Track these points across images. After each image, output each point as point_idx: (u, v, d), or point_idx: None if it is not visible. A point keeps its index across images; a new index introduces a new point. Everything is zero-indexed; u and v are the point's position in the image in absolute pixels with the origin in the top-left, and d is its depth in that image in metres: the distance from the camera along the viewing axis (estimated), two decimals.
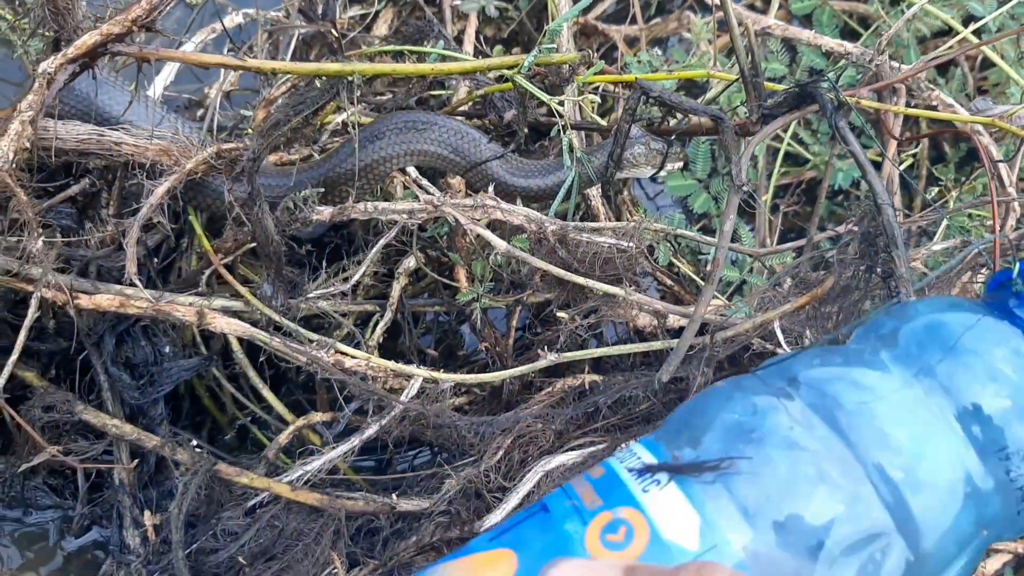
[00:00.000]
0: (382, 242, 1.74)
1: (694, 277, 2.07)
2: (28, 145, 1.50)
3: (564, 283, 1.68)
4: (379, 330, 1.96)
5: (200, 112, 2.35)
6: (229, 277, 1.74)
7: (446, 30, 2.40)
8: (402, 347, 2.14)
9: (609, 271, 1.66)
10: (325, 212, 1.77)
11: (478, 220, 1.72)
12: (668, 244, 2.00)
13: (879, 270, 1.47)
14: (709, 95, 2.12)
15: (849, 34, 2.55)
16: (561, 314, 1.63)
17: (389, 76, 1.65)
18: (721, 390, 1.19)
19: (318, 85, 1.68)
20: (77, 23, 1.77)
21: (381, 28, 2.58)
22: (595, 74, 1.69)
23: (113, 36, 1.45)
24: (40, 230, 1.50)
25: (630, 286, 1.61)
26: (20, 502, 1.94)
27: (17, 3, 2.53)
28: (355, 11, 2.65)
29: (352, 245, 2.16)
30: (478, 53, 2.38)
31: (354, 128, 1.66)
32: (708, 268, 2.22)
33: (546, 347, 1.67)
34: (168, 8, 1.47)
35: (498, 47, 2.25)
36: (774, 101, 1.53)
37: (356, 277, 1.75)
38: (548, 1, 2.43)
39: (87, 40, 1.46)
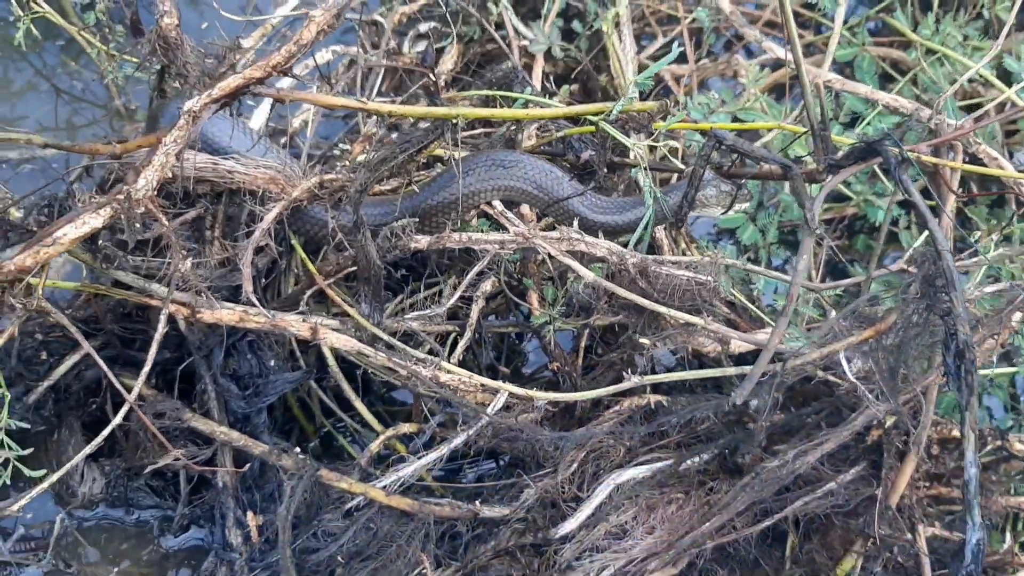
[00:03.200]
0: (477, 268, 1.90)
1: (748, 304, 2.23)
2: (171, 175, 1.66)
3: (641, 311, 1.85)
4: (460, 348, 2.12)
5: (283, 139, 2.51)
6: (335, 296, 1.90)
7: (516, 67, 2.57)
8: (468, 360, 2.30)
9: (686, 301, 1.82)
10: (423, 241, 1.93)
11: (564, 251, 1.88)
12: (728, 276, 2.17)
13: (937, 308, 1.64)
14: (764, 139, 2.30)
15: (885, 78, 2.73)
16: (644, 340, 1.79)
17: (489, 118, 1.81)
18: None
19: (423, 126, 1.84)
20: (185, 59, 1.93)
21: (447, 63, 2.74)
22: (675, 123, 1.86)
23: (255, 79, 1.61)
24: (184, 252, 1.66)
25: (706, 315, 1.78)
26: (123, 501, 2.09)
27: (107, 30, 2.70)
28: (422, 46, 2.83)
29: (426, 268, 2.33)
30: (545, 90, 2.55)
31: (456, 165, 1.81)
32: (757, 295, 2.39)
33: (629, 370, 1.82)
34: (303, 55, 1.63)
35: (565, 87, 2.42)
36: (842, 154, 1.70)
37: (451, 302, 1.91)
38: (607, 44, 2.62)
39: (231, 83, 1.62)
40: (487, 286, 2.20)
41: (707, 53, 2.81)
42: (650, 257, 1.85)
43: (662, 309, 1.77)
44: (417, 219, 1.98)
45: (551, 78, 2.78)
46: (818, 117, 1.73)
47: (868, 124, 2.37)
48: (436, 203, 1.99)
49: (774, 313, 2.30)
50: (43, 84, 2.93)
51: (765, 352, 1.69)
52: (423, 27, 2.83)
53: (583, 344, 2.23)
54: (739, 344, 2.06)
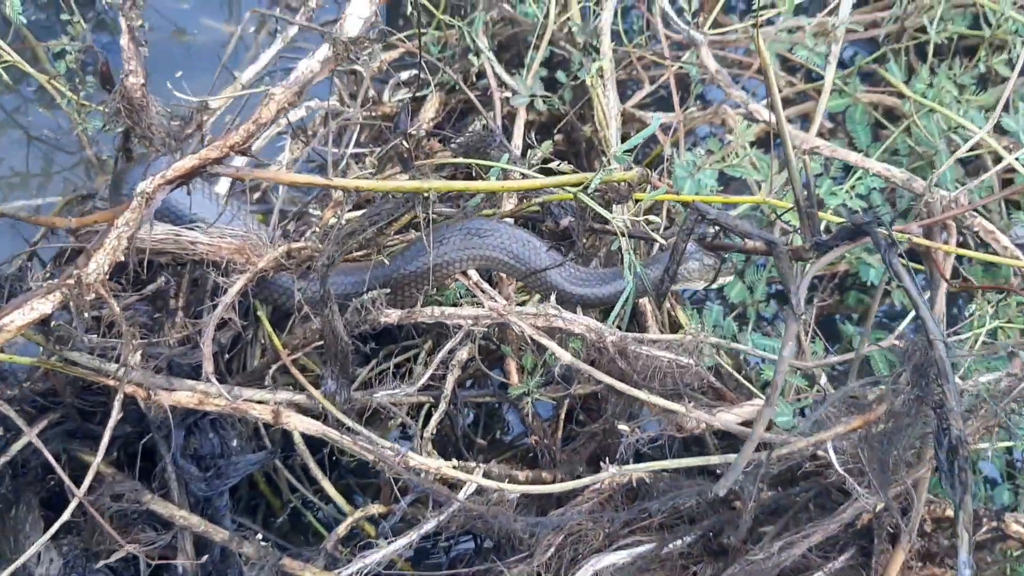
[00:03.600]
0: (449, 345, 1.82)
1: (733, 373, 2.15)
2: (123, 257, 1.58)
3: (621, 392, 1.76)
4: (433, 422, 2.03)
5: (256, 195, 2.43)
6: (299, 376, 1.82)
7: (497, 121, 2.49)
8: (444, 428, 2.21)
9: (667, 383, 1.74)
10: (393, 315, 1.84)
11: (540, 328, 1.80)
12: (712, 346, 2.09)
13: (929, 400, 1.55)
14: (759, 196, 2.22)
15: (879, 126, 2.65)
16: (622, 426, 1.71)
17: (463, 192, 1.73)
18: None
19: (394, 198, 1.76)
20: (150, 121, 1.85)
21: (428, 112, 2.67)
22: (657, 195, 1.78)
23: (211, 160, 1.53)
24: (138, 334, 1.57)
25: (689, 402, 1.69)
26: None
27: (77, 81, 2.62)
28: (402, 94, 2.75)
29: (402, 329, 2.25)
30: (526, 147, 2.47)
31: (426, 238, 1.73)
32: (744, 358, 2.31)
33: (606, 460, 1.74)
34: (260, 135, 1.55)
35: (547, 143, 2.34)
36: (830, 237, 1.62)
37: (422, 381, 1.82)
38: (593, 96, 2.55)
39: (186, 163, 1.54)
40: (463, 354, 2.12)
41: (696, 99, 2.73)
42: (630, 336, 1.76)
43: (642, 395, 1.68)
44: (388, 290, 1.91)
45: (535, 126, 2.71)
46: (804, 195, 1.65)
47: (859, 179, 2.30)
48: (408, 273, 1.91)
49: (762, 378, 2.22)
50: (17, 129, 2.86)
51: (749, 443, 1.61)
52: (404, 75, 2.76)
53: (563, 413, 2.15)
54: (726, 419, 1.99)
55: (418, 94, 2.67)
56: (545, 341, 1.72)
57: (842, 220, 1.60)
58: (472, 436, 2.17)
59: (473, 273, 1.93)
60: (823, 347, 2.39)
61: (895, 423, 1.60)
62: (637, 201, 1.87)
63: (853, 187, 2.30)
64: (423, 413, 2.12)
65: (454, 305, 1.92)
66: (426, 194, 1.67)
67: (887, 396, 1.60)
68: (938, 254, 1.61)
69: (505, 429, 2.36)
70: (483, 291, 1.89)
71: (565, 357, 1.73)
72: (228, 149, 1.52)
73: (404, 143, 1.81)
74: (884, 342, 1.84)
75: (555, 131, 2.64)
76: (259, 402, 1.77)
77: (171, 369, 1.91)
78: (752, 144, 2.44)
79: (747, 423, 2.05)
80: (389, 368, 2.22)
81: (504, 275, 1.98)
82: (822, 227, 1.67)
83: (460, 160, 1.86)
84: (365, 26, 1.51)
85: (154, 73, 1.82)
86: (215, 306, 1.80)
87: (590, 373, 1.71)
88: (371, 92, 2.63)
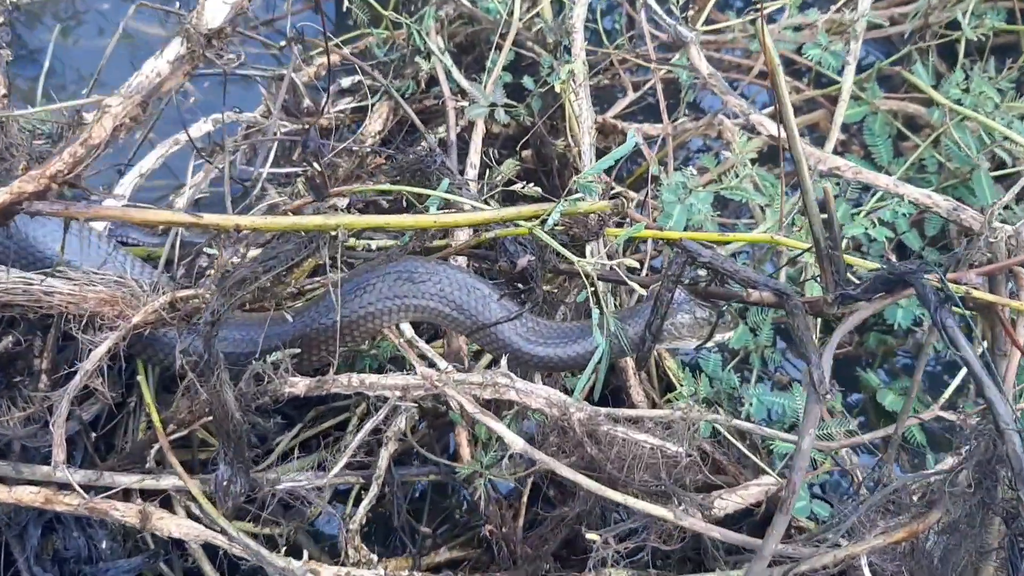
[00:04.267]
0: (368, 427, 1.42)
1: (737, 444, 1.75)
2: None
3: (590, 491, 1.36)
4: (363, 509, 1.64)
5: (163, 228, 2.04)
6: (178, 466, 1.42)
7: (450, 135, 2.10)
8: (388, 506, 1.82)
9: (652, 474, 1.34)
10: (300, 384, 1.45)
11: (488, 402, 1.41)
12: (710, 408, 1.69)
13: (997, 507, 1.16)
14: (758, 231, 1.82)
15: (900, 137, 2.27)
16: (592, 535, 1.31)
17: (383, 229, 1.34)
18: None
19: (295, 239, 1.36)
20: (11, 139, 1.46)
21: (375, 124, 2.28)
22: (634, 232, 1.38)
23: (27, 194, 1.14)
24: None
25: (678, 504, 1.29)
26: None
27: None
28: (345, 103, 2.36)
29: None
30: (484, 167, 2.08)
31: (333, 289, 1.34)
32: (748, 416, 1.92)
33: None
34: (94, 160, 1.15)
35: (510, 161, 1.95)
36: (860, 287, 1.22)
37: (332, 474, 1.43)
38: (566, 104, 2.16)
39: None
40: (400, 423, 1.72)
41: (687, 108, 2.34)
42: (602, 413, 1.37)
43: (617, 496, 1.29)
44: (299, 349, 1.51)
45: (499, 141, 2.33)
46: (824, 234, 1.26)
47: (880, 201, 1.90)
48: (322, 328, 1.52)
49: (772, 450, 1.82)
50: None
51: (757, 561, 1.21)
52: (346, 82, 2.37)
53: (527, 492, 1.75)
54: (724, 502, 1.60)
55: (365, 103, 2.29)
56: (490, 422, 1.33)
57: (876, 266, 1.21)
58: (414, 523, 1.76)
59: (407, 328, 1.53)
60: (841, 402, 2.00)
61: (952, 535, 1.20)
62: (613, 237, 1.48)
63: (875, 212, 1.91)
64: (352, 498, 1.73)
65: (379, 370, 1.52)
66: (333, 232, 1.28)
67: (941, 500, 1.20)
68: (1005, 312, 1.23)
69: (461, 503, 1.95)
70: (416, 352, 1.50)
71: (516, 444, 1.33)
72: (48, 180, 1.12)
73: (313, 166, 1.42)
74: (928, 413, 1.44)
75: (521, 147, 2.25)
76: (146, 492, 1.38)
77: (24, 453, 1.51)
78: (754, 162, 2.05)
79: (754, 514, 1.66)
80: (318, 436, 1.85)
81: (446, 329, 1.58)
82: (848, 273, 1.28)
83: (386, 187, 1.47)
84: (231, 13, 1.12)
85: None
86: (72, 373, 1.41)
87: (549, 466, 1.31)
88: (306, 102, 2.24)
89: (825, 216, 1.24)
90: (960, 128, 2.06)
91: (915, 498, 1.29)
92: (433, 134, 2.19)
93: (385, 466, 1.66)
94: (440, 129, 2.21)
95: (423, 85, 2.27)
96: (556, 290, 1.67)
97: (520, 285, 1.59)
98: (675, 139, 2.26)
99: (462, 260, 1.81)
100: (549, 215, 1.34)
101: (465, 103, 2.09)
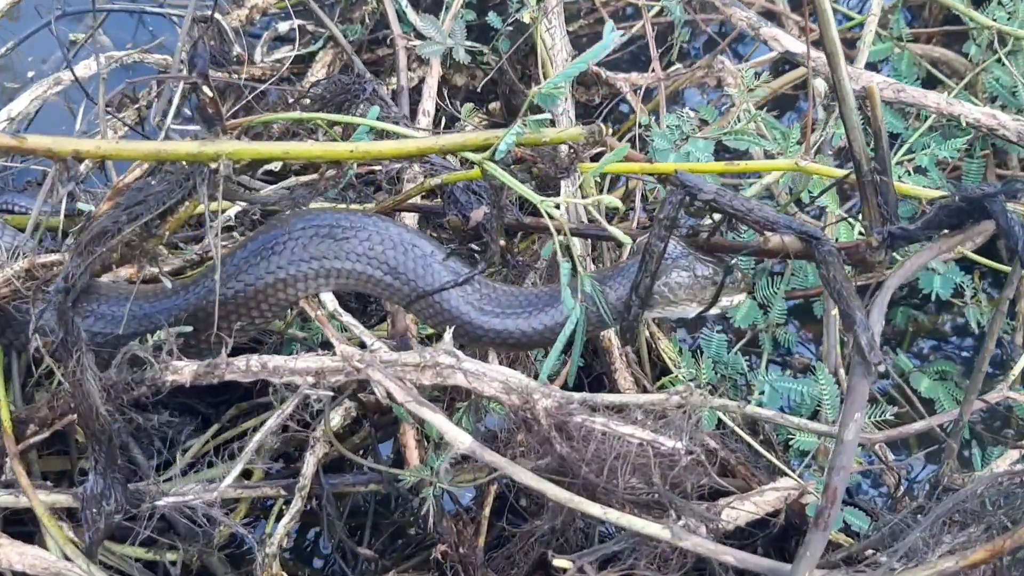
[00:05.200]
0: (270, 423, 1.09)
1: (750, 441, 1.42)
2: None
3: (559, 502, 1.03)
4: (283, 528, 1.31)
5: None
6: (22, 477, 1.09)
7: (400, 79, 1.78)
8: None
9: (641, 478, 1.02)
10: (184, 370, 1.12)
11: (426, 388, 1.08)
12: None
13: None
14: (767, 180, 1.50)
15: (929, 83, 1.94)
16: (560, 561, 0.98)
17: (281, 160, 1.02)
18: None
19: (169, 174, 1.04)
20: None
21: (319, 72, 1.96)
22: (612, 162, 1.05)
23: None
24: None
25: (677, 518, 0.97)
26: None
27: None
28: (283, 52, 2.04)
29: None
30: (441, 114, 1.75)
31: (215, 244, 1.01)
32: (759, 403, 1.59)
33: None
34: None
35: (469, 105, 1.63)
36: (922, 219, 0.90)
37: (225, 484, 1.09)
38: (537, 42, 1.84)
39: None
40: (335, 418, 1.40)
41: (679, 56, 2.02)
42: (576, 399, 1.04)
43: (593, 509, 0.96)
44: (189, 328, 1.18)
45: (462, 93, 2.00)
46: (867, 150, 0.94)
47: (922, 141, 1.57)
48: (222, 300, 1.19)
49: (791, 445, 1.50)
50: None
51: None
52: (283, 27, 2.05)
53: (489, 502, 1.43)
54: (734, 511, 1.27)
55: (306, 51, 1.97)
56: (427, 414, 1.00)
57: (940, 194, 0.89)
58: (351, 544, 1.43)
59: (328, 298, 1.20)
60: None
61: None
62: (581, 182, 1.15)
63: (911, 158, 1.57)
64: (274, 514, 1.40)
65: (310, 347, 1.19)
66: (212, 163, 0.96)
67: None
68: None
69: (414, 517, 1.62)
70: (340, 325, 1.17)
71: (462, 443, 1.00)
72: None
73: (203, 90, 1.09)
74: (995, 395, 1.11)
75: (489, 97, 1.93)
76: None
77: None
78: (761, 108, 1.73)
79: (770, 525, 1.34)
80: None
81: (378, 299, 1.26)
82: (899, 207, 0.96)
83: (296, 115, 1.14)
84: None
85: None
86: None
87: (504, 470, 0.98)
88: (236, 50, 1.91)
89: (868, 130, 0.92)
90: (1001, 66, 1.73)
91: (991, 505, 0.97)
92: (384, 85, 1.87)
93: (311, 474, 1.33)
94: (392, 80, 1.89)
95: (372, 28, 1.94)
96: (523, 257, 1.34)
97: (476, 247, 1.27)
98: (667, 88, 1.93)
99: (411, 221, 1.49)
100: (501, 142, 1.02)
101: (417, 43, 1.77)
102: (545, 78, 1.78)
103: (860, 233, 1.29)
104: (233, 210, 1.35)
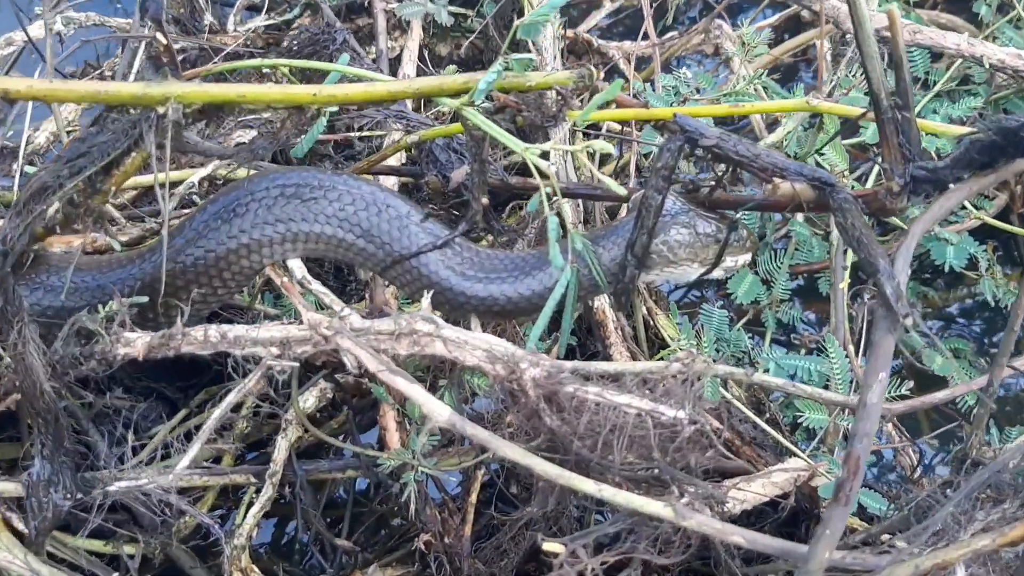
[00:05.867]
0: (230, 398, 0.99)
1: (756, 420, 1.32)
2: None
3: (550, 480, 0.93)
4: (252, 518, 1.21)
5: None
6: None
7: (380, 44, 1.68)
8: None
9: (639, 454, 0.92)
10: (137, 343, 1.02)
11: (403, 358, 0.98)
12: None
13: None
14: (771, 139, 1.40)
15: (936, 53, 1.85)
16: (551, 545, 0.88)
17: (237, 106, 0.92)
18: None
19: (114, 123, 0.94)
20: None
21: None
22: (603, 100, 0.95)
23: None
24: None
25: (680, 495, 0.87)
26: None
27: None
28: (259, 22, 1.93)
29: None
30: (422, 75, 1.65)
31: (162, 200, 0.92)
32: (766, 393, 1.49)
33: None
34: None
35: (452, 67, 1.54)
36: (950, 158, 0.81)
37: (183, 464, 0.99)
38: (524, 4, 1.74)
39: None
40: (307, 403, 1.29)
41: (674, 21, 1.92)
42: (566, 368, 0.94)
43: (586, 486, 0.86)
44: (146, 298, 1.08)
45: (442, 62, 1.90)
46: (887, 84, 0.85)
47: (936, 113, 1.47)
48: (181, 267, 1.09)
49: (800, 422, 1.40)
50: None
51: (805, 574, 0.79)
52: None
53: (476, 488, 1.32)
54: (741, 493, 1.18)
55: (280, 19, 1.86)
56: (401, 383, 0.90)
57: (968, 130, 0.80)
58: (328, 535, 1.33)
59: (296, 265, 1.10)
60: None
61: None
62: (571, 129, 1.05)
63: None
64: (244, 504, 1.30)
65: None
66: (160, 107, 0.86)
67: None
68: None
69: (399, 506, 1.52)
70: (309, 293, 1.07)
71: (438, 414, 0.90)
72: None
73: (156, 38, 0.99)
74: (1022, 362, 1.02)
75: (477, 64, 1.83)
76: None
77: None
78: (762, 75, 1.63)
79: (778, 509, 1.24)
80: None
81: (351, 265, 1.16)
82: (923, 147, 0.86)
83: (257, 62, 1.05)
84: None
85: None
86: None
87: (484, 443, 0.88)
88: (208, 18, 1.81)
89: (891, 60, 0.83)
90: (1013, 27, 1.64)
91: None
92: (365, 55, 1.77)
93: (283, 459, 1.23)
94: (373, 50, 1.79)
95: None
96: (504, 225, 1.24)
97: (453, 208, 1.17)
98: (662, 55, 1.84)
99: (391, 183, 1.39)
100: (482, 81, 0.92)
101: (394, 5, 1.67)
102: (536, 49, 1.69)
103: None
104: (196, 175, 1.25)
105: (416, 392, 0.92)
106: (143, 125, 0.90)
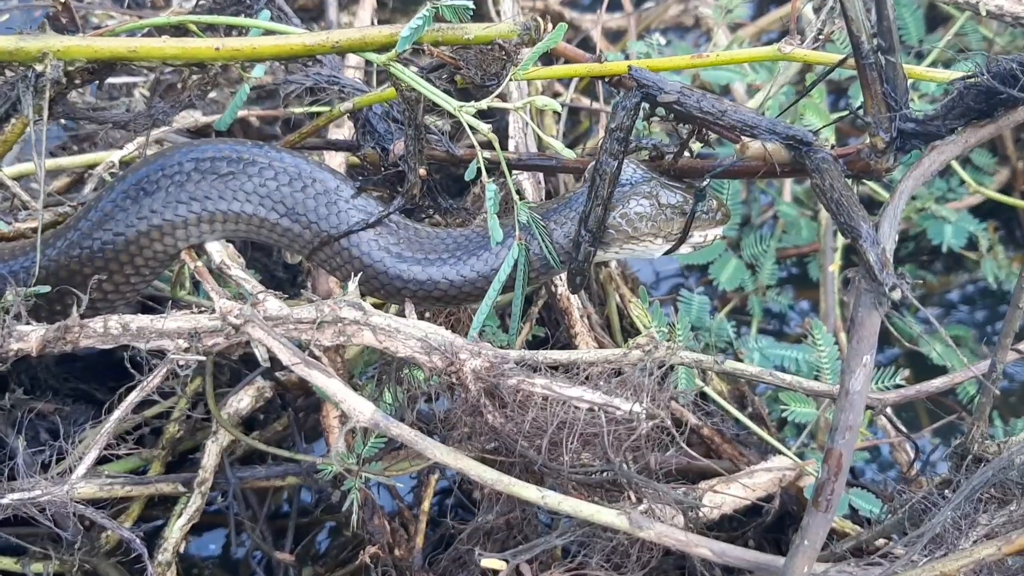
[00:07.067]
0: (130, 398, 0.88)
1: (735, 413, 1.21)
2: None
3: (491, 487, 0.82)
4: (178, 530, 1.09)
5: None
6: None
7: (329, 16, 1.57)
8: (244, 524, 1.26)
9: (593, 454, 0.80)
10: (31, 336, 0.90)
11: (325, 349, 0.87)
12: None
13: None
14: (750, 105, 1.29)
15: (932, 23, 1.74)
16: (491, 562, 0.76)
17: (125, 62, 0.80)
18: None
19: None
20: None
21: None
22: (546, 59, 0.83)
23: None
24: None
25: (636, 500, 0.75)
26: None
27: None
28: None
29: None
30: None
31: (39, 165, 0.80)
32: (750, 386, 1.38)
33: None
34: None
35: None
36: (941, 106, 0.69)
37: (79, 472, 0.88)
38: None
39: None
40: (241, 403, 1.18)
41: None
42: (511, 358, 0.82)
43: (528, 492, 0.74)
44: (47, 288, 0.97)
45: None
46: (868, 25, 0.73)
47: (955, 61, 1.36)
48: (85, 254, 0.97)
49: (784, 418, 1.29)
50: None
51: None
52: None
53: (429, 495, 1.21)
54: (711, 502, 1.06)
55: None
56: (317, 376, 0.79)
57: (961, 74, 0.68)
58: (266, 548, 1.21)
59: (215, 248, 0.98)
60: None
61: None
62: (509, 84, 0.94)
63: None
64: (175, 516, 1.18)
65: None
66: (37, 65, 0.74)
67: None
68: None
69: (344, 516, 1.40)
70: (227, 281, 0.95)
71: (361, 413, 0.79)
72: None
73: None
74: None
75: None
76: None
77: None
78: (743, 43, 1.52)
79: (763, 513, 1.13)
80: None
81: (276, 247, 1.05)
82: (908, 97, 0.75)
83: (164, 20, 0.93)
84: None
85: None
86: None
87: (412, 445, 0.77)
88: None
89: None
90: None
91: None
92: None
93: (213, 466, 1.12)
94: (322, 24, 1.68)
95: None
96: (455, 207, 1.12)
97: (400, 189, 1.05)
98: (638, 27, 1.73)
99: (338, 161, 1.27)
100: (406, 28, 0.80)
101: None
102: (499, 15, 1.57)
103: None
104: (117, 154, 1.14)
105: (336, 387, 0.80)
106: (20, 86, 0.78)
